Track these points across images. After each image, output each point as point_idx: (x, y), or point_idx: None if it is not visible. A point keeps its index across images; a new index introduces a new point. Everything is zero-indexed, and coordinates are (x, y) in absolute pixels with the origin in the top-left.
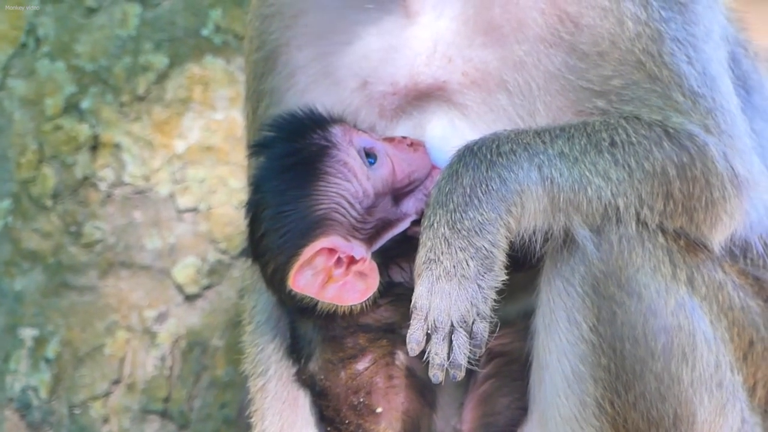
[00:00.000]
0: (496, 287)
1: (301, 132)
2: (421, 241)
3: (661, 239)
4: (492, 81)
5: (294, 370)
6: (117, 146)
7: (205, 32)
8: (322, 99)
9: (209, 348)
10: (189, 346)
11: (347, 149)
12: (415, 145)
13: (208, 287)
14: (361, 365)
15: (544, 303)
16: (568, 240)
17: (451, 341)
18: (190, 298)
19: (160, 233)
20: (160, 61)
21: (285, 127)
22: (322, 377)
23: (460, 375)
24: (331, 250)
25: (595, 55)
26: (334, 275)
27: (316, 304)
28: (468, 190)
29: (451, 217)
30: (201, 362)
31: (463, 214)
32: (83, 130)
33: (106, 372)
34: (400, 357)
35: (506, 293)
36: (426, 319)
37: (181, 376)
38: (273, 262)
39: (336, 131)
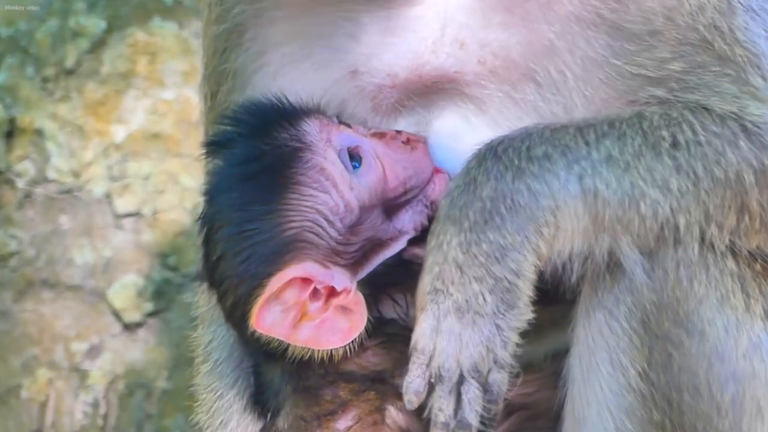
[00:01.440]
0: (519, 328)
1: (268, 128)
2: (425, 264)
3: (730, 263)
4: (516, 70)
5: (259, 426)
6: (38, 133)
7: None
8: (298, 85)
9: (154, 391)
10: (128, 388)
11: (324, 151)
12: (412, 142)
13: (152, 314)
14: (342, 424)
15: (581, 341)
16: (613, 263)
17: (459, 394)
18: (129, 328)
19: (93, 244)
20: (95, 24)
21: (247, 121)
22: None
23: None
24: (305, 280)
25: (646, 35)
26: (310, 311)
27: (287, 347)
28: (488, 205)
29: (466, 238)
30: (143, 409)
31: (481, 236)
32: None
33: (22, 421)
34: (392, 414)
35: (531, 330)
36: (429, 364)
37: (118, 427)
38: (232, 293)
39: (310, 127)
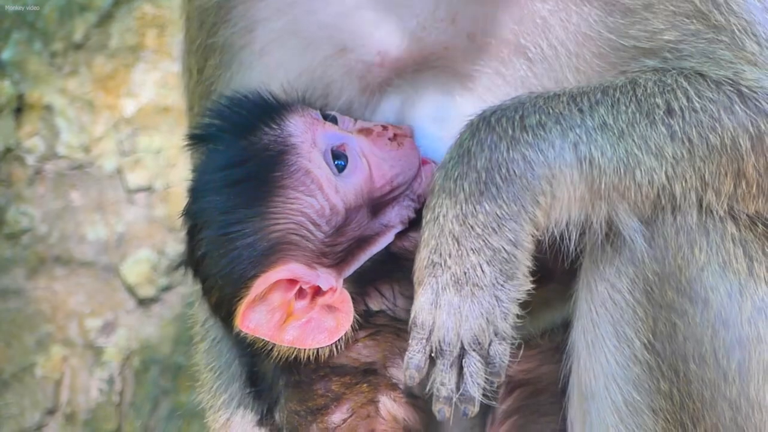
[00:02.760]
0: (518, 299)
1: (252, 127)
2: (422, 238)
3: (731, 227)
4: (506, 46)
5: (256, 417)
6: (48, 108)
7: None
8: (286, 63)
9: (170, 366)
10: (144, 364)
11: (309, 153)
12: (399, 137)
13: (166, 289)
14: (337, 417)
15: (585, 314)
16: (612, 233)
17: (461, 368)
18: (144, 303)
19: (105, 220)
20: None
21: (232, 117)
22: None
23: (473, 410)
24: (291, 281)
25: (640, 9)
26: (296, 311)
27: (273, 347)
28: (483, 176)
29: (462, 210)
30: (159, 385)
31: (477, 207)
32: (4, 88)
33: (37, 399)
34: (386, 405)
35: (528, 308)
36: (429, 339)
37: (134, 404)
38: (217, 291)
39: (295, 128)
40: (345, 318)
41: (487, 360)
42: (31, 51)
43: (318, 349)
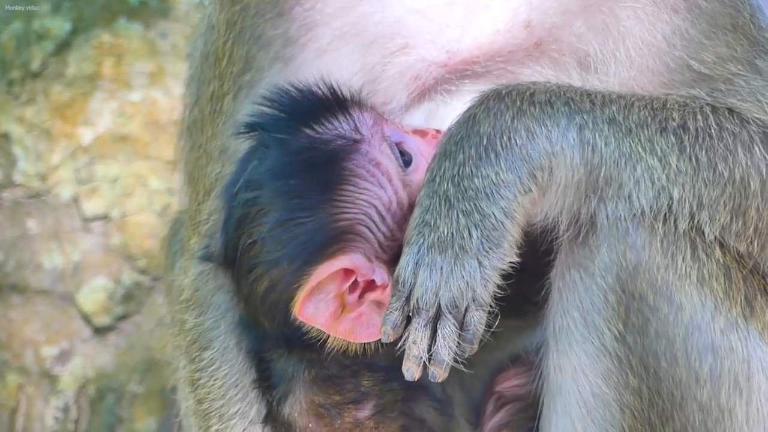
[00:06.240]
0: (501, 269)
1: (321, 116)
2: (418, 199)
3: (717, 252)
4: (571, 55)
5: (263, 412)
6: (4, 137)
7: None
8: (342, 62)
9: (125, 395)
10: (99, 392)
11: (380, 145)
12: None
13: (122, 317)
14: (362, 413)
15: (555, 302)
16: (593, 221)
17: (435, 329)
18: (100, 332)
19: (61, 248)
20: (60, 26)
21: (295, 107)
22: (307, 424)
23: (441, 374)
24: (348, 272)
25: (729, 28)
26: (348, 303)
27: (319, 339)
28: (484, 141)
29: (459, 172)
30: (115, 413)
31: (474, 170)
32: None
33: None
34: (413, 405)
35: (521, 322)
36: (408, 297)
37: None
38: (268, 278)
39: (365, 120)
40: None
41: (462, 325)
42: None
43: (364, 345)
